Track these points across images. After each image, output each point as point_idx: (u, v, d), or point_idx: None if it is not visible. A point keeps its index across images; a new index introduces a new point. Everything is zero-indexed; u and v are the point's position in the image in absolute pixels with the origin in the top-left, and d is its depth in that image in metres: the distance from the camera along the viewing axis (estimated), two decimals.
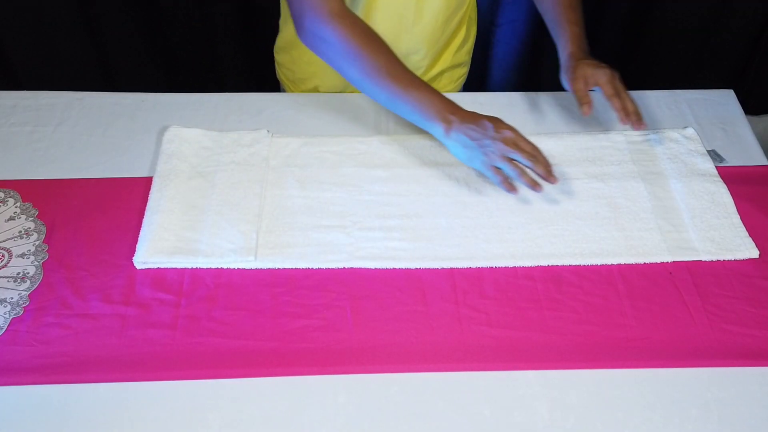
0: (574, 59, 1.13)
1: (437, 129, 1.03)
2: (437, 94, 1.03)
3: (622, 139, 1.17)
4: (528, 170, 1.01)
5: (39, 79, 1.80)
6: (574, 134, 1.18)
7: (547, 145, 1.17)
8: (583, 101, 1.10)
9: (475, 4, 1.31)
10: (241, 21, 1.75)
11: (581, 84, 1.11)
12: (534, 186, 1.02)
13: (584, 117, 1.10)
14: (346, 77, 1.05)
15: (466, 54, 1.35)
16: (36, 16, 1.68)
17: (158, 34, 1.75)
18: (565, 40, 1.16)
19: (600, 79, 1.10)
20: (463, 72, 1.37)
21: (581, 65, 1.12)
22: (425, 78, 1.29)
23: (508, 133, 1.00)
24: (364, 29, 1.03)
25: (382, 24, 1.17)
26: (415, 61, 1.25)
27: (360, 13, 1.15)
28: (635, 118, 1.07)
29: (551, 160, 1.14)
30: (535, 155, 1.01)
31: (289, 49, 1.27)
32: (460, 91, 1.40)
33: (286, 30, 1.27)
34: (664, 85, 1.38)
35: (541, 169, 1.01)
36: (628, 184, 1.10)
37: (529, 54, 1.64)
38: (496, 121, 1.02)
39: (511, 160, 1.00)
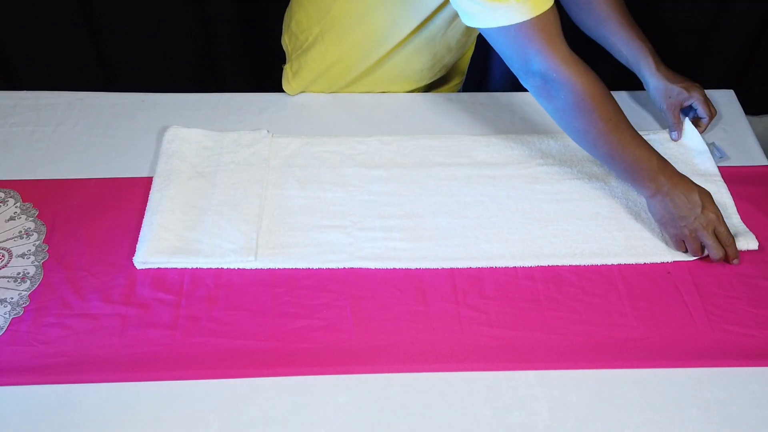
0: (665, 79, 1.17)
1: (644, 190, 1.01)
2: (656, 154, 1.00)
3: None
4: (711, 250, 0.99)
5: (39, 79, 1.79)
6: None
7: (547, 144, 1.17)
8: (676, 127, 1.17)
9: None
10: (242, 21, 1.75)
11: (677, 110, 1.17)
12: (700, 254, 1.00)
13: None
14: (569, 128, 1.01)
15: (466, 62, 1.36)
16: (36, 16, 1.68)
17: (158, 34, 1.75)
18: (645, 58, 1.17)
19: (698, 99, 1.16)
20: (462, 79, 1.39)
21: (675, 87, 1.16)
22: (427, 83, 1.30)
23: (712, 217, 0.98)
24: (595, 78, 0.98)
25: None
26: (422, 75, 1.26)
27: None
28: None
29: (551, 160, 1.14)
30: (726, 249, 0.99)
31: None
32: (459, 91, 1.41)
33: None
34: None
35: (721, 253, 0.99)
36: None
37: None
38: (707, 199, 0.99)
39: (700, 240, 0.99)
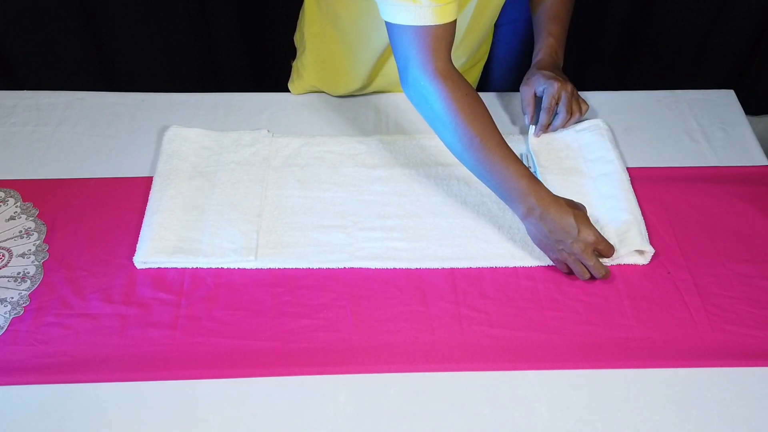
0: (536, 67, 1.19)
1: (517, 210, 0.99)
2: (526, 175, 0.98)
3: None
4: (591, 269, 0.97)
5: (39, 78, 1.80)
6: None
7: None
8: (525, 111, 1.18)
9: None
10: (242, 21, 1.75)
11: (530, 92, 1.16)
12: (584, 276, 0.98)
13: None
14: (440, 137, 1.02)
15: (487, 48, 1.39)
16: (36, 16, 1.68)
17: (158, 34, 1.75)
18: (539, 50, 1.21)
19: (547, 90, 1.15)
20: (483, 63, 1.41)
21: (538, 73, 1.17)
22: None
23: (590, 239, 0.95)
24: (467, 92, 0.99)
25: None
26: (456, 66, 1.26)
27: None
28: (541, 132, 1.16)
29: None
30: (607, 271, 0.98)
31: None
32: (474, 85, 1.42)
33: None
34: (664, 85, 1.38)
35: (605, 276, 0.98)
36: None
37: (530, 54, 1.64)
38: (582, 221, 0.96)
39: (580, 262, 0.97)
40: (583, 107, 1.18)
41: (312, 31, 1.24)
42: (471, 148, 0.98)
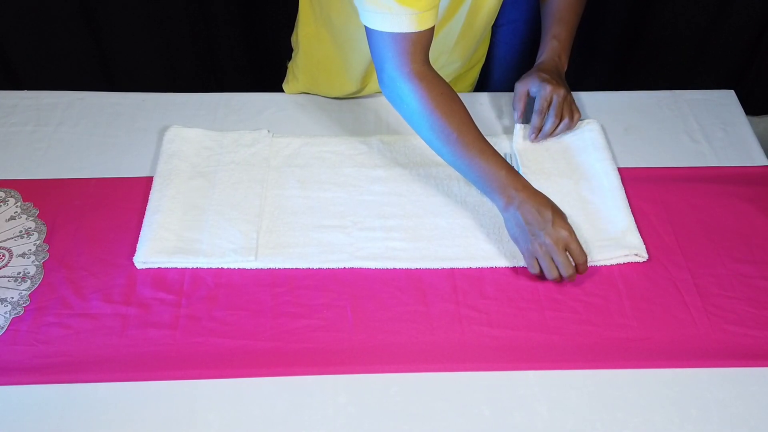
0: (535, 69, 1.18)
1: (498, 202, 1.01)
2: (505, 167, 1.00)
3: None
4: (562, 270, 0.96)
5: (40, 78, 1.80)
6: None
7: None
8: (515, 106, 1.17)
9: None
10: (242, 21, 1.75)
11: (523, 89, 1.16)
12: (557, 283, 0.98)
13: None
14: (419, 134, 1.05)
15: (484, 51, 1.39)
16: (37, 16, 1.68)
17: (158, 34, 1.75)
18: (542, 52, 1.21)
19: (540, 92, 1.14)
20: (480, 66, 1.41)
21: (535, 74, 1.16)
22: (454, 77, 1.31)
23: (563, 234, 0.96)
24: (443, 91, 1.01)
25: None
26: (451, 70, 1.27)
27: None
28: (537, 138, 1.14)
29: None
30: (574, 272, 0.96)
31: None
32: (472, 87, 1.42)
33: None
34: (664, 85, 1.38)
35: (571, 272, 0.96)
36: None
37: (530, 54, 1.64)
38: (558, 215, 0.97)
39: (552, 258, 0.96)
40: (576, 115, 1.15)
41: (306, 33, 1.24)
42: (449, 144, 1.01)
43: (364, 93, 1.27)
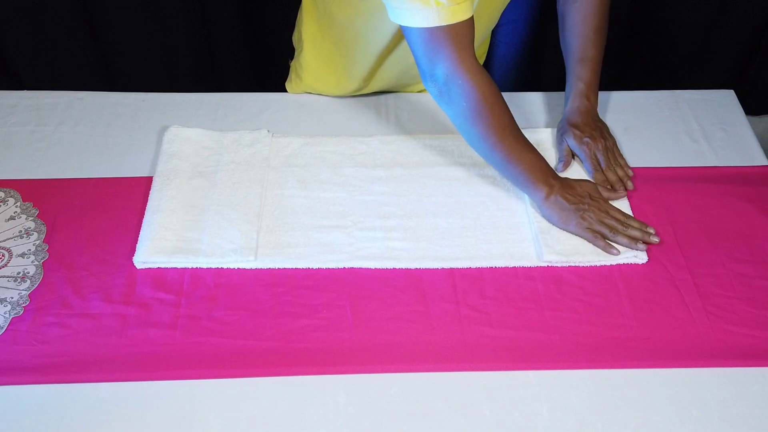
0: (567, 122, 1.16)
1: (539, 192, 1.04)
2: (543, 160, 1.06)
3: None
4: (624, 231, 1.02)
5: (40, 78, 1.79)
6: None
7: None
8: (562, 160, 1.14)
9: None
10: (242, 21, 1.75)
11: (566, 148, 1.15)
12: (634, 244, 1.01)
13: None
14: (466, 131, 1.04)
15: (483, 53, 1.38)
16: (36, 16, 1.68)
17: (158, 34, 1.75)
18: (568, 95, 1.18)
19: (581, 154, 1.13)
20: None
21: (570, 132, 1.14)
22: None
23: (602, 201, 1.05)
24: (493, 89, 1.01)
25: None
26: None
27: None
28: (617, 187, 1.10)
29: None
30: (627, 222, 1.03)
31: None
32: None
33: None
34: (664, 85, 1.38)
35: (636, 233, 1.02)
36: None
37: (530, 54, 1.64)
38: (592, 189, 1.06)
39: (607, 224, 1.02)
40: (621, 161, 1.14)
41: (309, 32, 1.24)
42: (503, 139, 1.02)
43: (366, 91, 1.27)
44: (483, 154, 1.06)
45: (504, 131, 1.02)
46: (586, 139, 1.12)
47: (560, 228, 1.03)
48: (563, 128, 1.16)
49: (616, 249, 1.01)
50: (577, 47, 1.16)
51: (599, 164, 1.12)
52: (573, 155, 1.15)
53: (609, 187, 1.09)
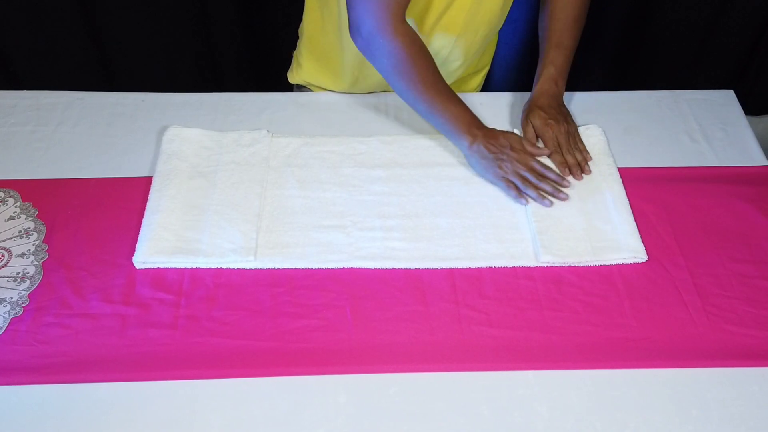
0: (534, 104, 1.18)
1: (463, 141, 1.10)
2: (469, 111, 1.11)
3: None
4: (537, 184, 1.08)
5: (39, 78, 1.79)
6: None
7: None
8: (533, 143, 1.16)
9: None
10: (242, 21, 1.75)
11: (530, 130, 1.17)
12: (541, 197, 1.07)
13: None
14: (392, 85, 1.11)
15: (489, 57, 1.39)
16: (36, 16, 1.68)
17: (158, 34, 1.75)
18: (537, 77, 1.21)
19: (543, 135, 1.15)
20: (486, 72, 1.41)
21: (536, 114, 1.16)
22: (457, 78, 1.32)
23: (523, 152, 1.10)
24: (418, 44, 1.08)
25: (431, 34, 1.18)
26: (453, 68, 1.27)
27: (414, 21, 1.16)
28: (574, 170, 1.12)
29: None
30: (543, 175, 1.09)
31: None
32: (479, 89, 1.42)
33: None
34: (664, 85, 1.38)
35: (547, 187, 1.08)
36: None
37: (530, 54, 1.64)
38: (515, 140, 1.11)
39: (522, 175, 1.08)
40: (580, 146, 1.15)
41: (311, 19, 1.26)
42: (424, 93, 1.09)
43: (363, 86, 1.27)
44: (408, 104, 1.13)
45: (425, 85, 1.08)
46: (551, 121, 1.15)
47: (482, 176, 1.10)
48: (529, 109, 1.19)
49: (525, 200, 1.07)
50: (555, 32, 1.21)
51: (560, 147, 1.14)
52: (537, 138, 1.17)
53: (567, 169, 1.12)
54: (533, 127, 1.16)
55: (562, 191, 1.07)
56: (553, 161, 1.13)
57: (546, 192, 1.07)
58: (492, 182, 1.10)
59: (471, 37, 1.21)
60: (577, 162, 1.13)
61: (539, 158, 1.12)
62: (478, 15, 1.17)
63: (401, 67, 1.07)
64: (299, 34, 1.32)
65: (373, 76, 1.23)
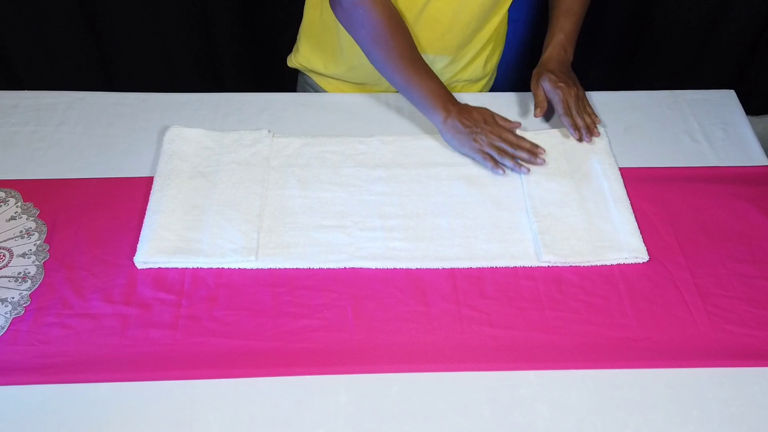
0: (544, 67, 1.20)
1: (438, 116, 1.13)
2: (444, 87, 1.14)
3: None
4: (514, 153, 1.12)
5: (40, 78, 1.80)
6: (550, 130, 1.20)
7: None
8: (537, 105, 1.19)
9: (507, 24, 1.32)
10: (242, 21, 1.75)
11: (541, 93, 1.19)
12: (518, 166, 1.11)
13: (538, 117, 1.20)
14: (369, 58, 1.14)
15: (490, 69, 1.37)
16: (37, 16, 1.68)
17: (158, 34, 1.75)
18: (547, 44, 1.23)
19: (554, 98, 1.17)
20: (481, 85, 1.39)
21: (546, 77, 1.19)
22: (448, 81, 1.32)
23: (497, 125, 1.13)
24: (395, 16, 1.11)
25: (416, 27, 1.19)
26: (439, 68, 1.26)
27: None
28: (585, 132, 1.16)
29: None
30: (518, 144, 1.12)
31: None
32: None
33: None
34: (664, 85, 1.38)
35: (524, 155, 1.11)
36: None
37: (530, 54, 1.65)
38: (488, 115, 1.14)
39: (497, 146, 1.11)
40: (589, 110, 1.19)
41: (309, 4, 1.27)
42: (402, 66, 1.12)
43: (355, 75, 1.27)
44: (385, 77, 1.15)
45: (402, 59, 1.11)
46: (561, 84, 1.17)
47: (457, 150, 1.13)
48: (538, 72, 1.21)
49: (502, 170, 1.10)
50: (565, 0, 1.23)
51: (570, 109, 1.16)
52: (548, 101, 1.19)
53: (577, 132, 1.15)
54: (543, 90, 1.18)
55: (539, 156, 1.11)
56: (564, 123, 1.16)
57: (523, 159, 1.11)
58: (468, 155, 1.13)
59: (461, 32, 1.21)
60: (586, 124, 1.16)
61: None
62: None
63: (380, 38, 1.10)
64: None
65: (369, 63, 1.23)
